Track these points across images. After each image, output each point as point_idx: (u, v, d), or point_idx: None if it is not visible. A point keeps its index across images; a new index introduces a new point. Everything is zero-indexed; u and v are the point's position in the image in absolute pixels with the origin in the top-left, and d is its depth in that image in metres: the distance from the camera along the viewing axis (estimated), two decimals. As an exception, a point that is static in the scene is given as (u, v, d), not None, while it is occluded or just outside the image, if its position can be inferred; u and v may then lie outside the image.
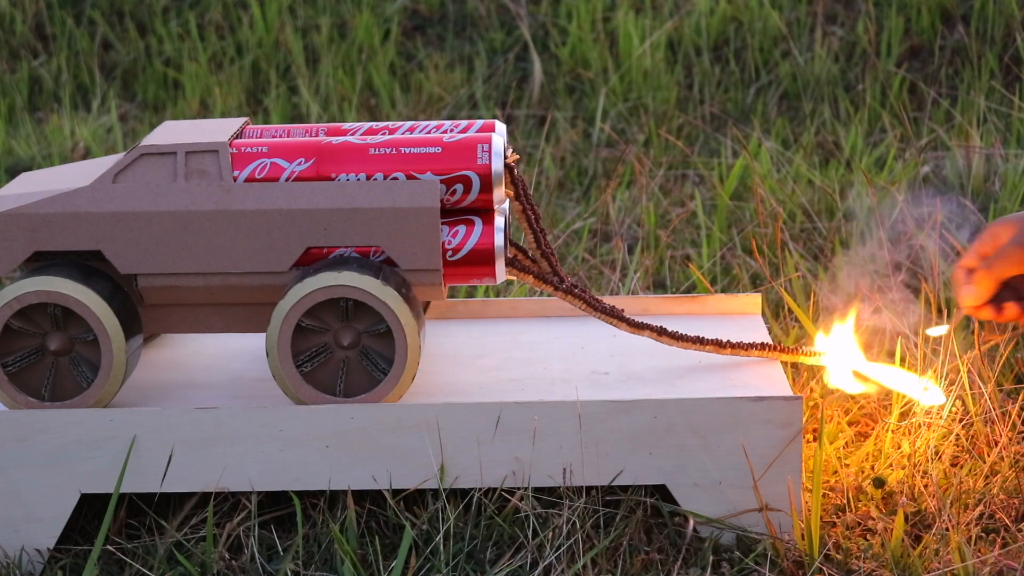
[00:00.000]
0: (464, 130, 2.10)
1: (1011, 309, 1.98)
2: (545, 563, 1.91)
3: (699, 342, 2.15)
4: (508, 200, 2.11)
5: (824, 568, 1.94)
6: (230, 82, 3.94)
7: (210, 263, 2.00)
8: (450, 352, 2.24)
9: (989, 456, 2.17)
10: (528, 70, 3.97)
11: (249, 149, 2.02)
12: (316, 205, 1.98)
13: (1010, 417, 2.22)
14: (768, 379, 2.09)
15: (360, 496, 2.05)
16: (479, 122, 2.12)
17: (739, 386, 2.07)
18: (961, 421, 2.25)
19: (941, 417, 2.21)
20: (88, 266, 2.02)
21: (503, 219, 2.04)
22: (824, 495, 2.11)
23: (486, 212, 2.04)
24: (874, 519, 2.05)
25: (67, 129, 3.75)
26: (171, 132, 2.09)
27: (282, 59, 4.04)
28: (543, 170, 3.48)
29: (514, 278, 2.12)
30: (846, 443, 2.26)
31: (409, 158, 2.01)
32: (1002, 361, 2.36)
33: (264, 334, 2.20)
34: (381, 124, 2.13)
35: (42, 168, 2.85)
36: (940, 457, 2.17)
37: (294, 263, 2.00)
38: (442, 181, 2.01)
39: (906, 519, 2.05)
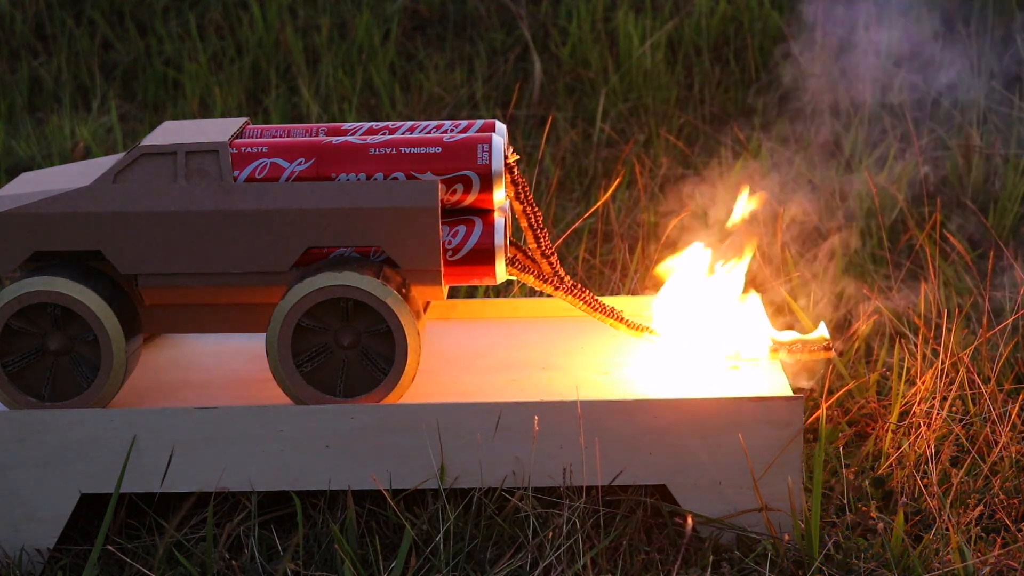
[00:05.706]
0: (464, 130, 2.10)
1: None
2: (545, 563, 1.91)
3: (699, 342, 2.15)
4: (508, 200, 2.11)
5: (824, 568, 1.94)
6: (230, 82, 3.94)
7: (210, 263, 2.00)
8: (450, 352, 2.24)
9: (989, 456, 2.17)
10: (528, 70, 3.96)
11: (249, 149, 2.02)
12: (316, 205, 1.98)
13: (1010, 417, 2.21)
14: (768, 379, 2.09)
15: (360, 496, 2.05)
16: (479, 122, 2.12)
17: (739, 386, 2.07)
18: (961, 421, 2.25)
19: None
20: (88, 266, 2.02)
21: (503, 219, 2.04)
22: (824, 495, 2.11)
23: (486, 212, 2.04)
24: (874, 519, 2.05)
25: (67, 129, 3.74)
26: (171, 132, 2.08)
27: (282, 59, 4.03)
28: (543, 170, 3.48)
29: (514, 278, 2.12)
30: (846, 443, 2.26)
31: (409, 158, 2.01)
32: (1002, 361, 2.36)
33: (264, 334, 2.20)
34: (381, 124, 2.13)
35: (42, 168, 2.85)
36: (940, 457, 2.17)
37: (294, 263, 2.00)
38: (442, 181, 2.00)
39: (906, 519, 2.05)
